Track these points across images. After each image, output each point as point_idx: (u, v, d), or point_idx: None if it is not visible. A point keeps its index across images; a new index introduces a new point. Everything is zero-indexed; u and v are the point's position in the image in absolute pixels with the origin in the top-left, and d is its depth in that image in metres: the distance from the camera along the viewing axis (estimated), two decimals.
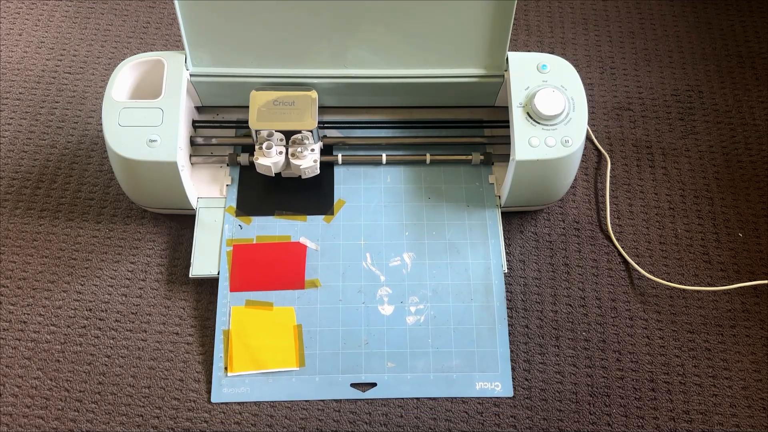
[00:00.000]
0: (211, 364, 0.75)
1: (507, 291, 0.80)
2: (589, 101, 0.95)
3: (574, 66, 0.83)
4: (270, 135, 0.78)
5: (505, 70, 0.79)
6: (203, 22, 0.75)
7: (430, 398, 0.74)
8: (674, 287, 0.82)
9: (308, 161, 0.79)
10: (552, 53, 0.84)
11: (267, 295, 0.77)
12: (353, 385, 0.74)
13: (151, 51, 0.92)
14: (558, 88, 0.77)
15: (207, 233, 0.80)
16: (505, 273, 0.79)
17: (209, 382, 0.74)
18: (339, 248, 0.80)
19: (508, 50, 0.79)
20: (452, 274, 0.79)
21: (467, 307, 0.77)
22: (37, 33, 1.01)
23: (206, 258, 0.79)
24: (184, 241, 0.83)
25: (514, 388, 0.75)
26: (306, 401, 0.74)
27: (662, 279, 0.82)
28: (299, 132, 0.78)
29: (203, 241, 0.80)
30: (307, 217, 0.81)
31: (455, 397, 0.74)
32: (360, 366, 0.74)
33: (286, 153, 0.79)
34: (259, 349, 0.75)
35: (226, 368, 0.74)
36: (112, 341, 0.77)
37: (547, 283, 0.82)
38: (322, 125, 0.85)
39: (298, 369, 0.74)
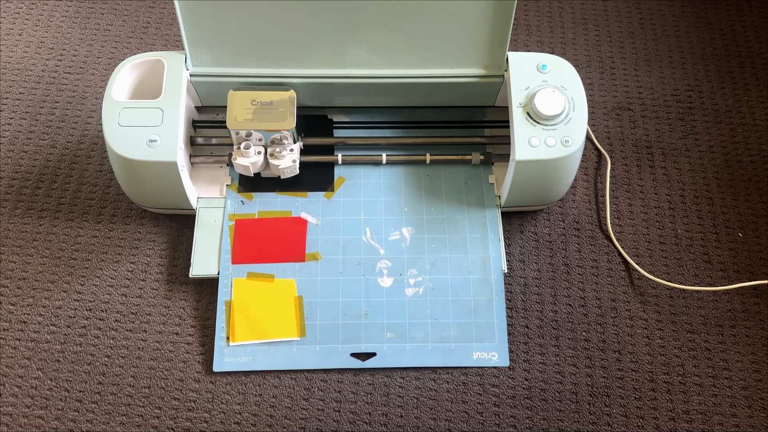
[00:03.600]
0: (212, 362, 0.75)
1: (507, 291, 0.80)
2: (589, 101, 0.95)
3: (574, 66, 0.83)
4: (248, 135, 0.78)
5: (505, 70, 0.79)
6: (203, 22, 0.75)
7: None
8: (674, 287, 0.82)
9: (287, 161, 0.79)
10: (552, 53, 0.84)
11: (268, 267, 0.79)
12: (353, 354, 0.75)
13: (151, 51, 0.92)
14: (558, 88, 0.77)
15: (207, 233, 0.80)
16: (505, 273, 0.79)
17: (210, 363, 0.74)
18: (339, 223, 0.81)
19: (508, 50, 0.79)
20: (450, 247, 0.80)
21: (465, 279, 0.78)
22: (37, 33, 1.01)
23: (206, 258, 0.79)
24: (184, 241, 0.83)
25: (514, 388, 0.75)
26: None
27: (662, 279, 0.82)
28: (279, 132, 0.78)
29: (203, 241, 0.80)
30: (308, 193, 0.83)
31: (454, 368, 0.74)
32: (360, 336, 0.76)
33: (265, 153, 0.79)
34: (260, 320, 0.76)
35: (227, 338, 0.75)
36: (112, 341, 0.77)
37: (547, 283, 0.82)
38: (334, 125, 0.86)
39: (298, 339, 0.76)
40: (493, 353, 0.76)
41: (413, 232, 0.81)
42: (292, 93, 0.78)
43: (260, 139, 0.78)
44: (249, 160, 0.78)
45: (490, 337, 0.76)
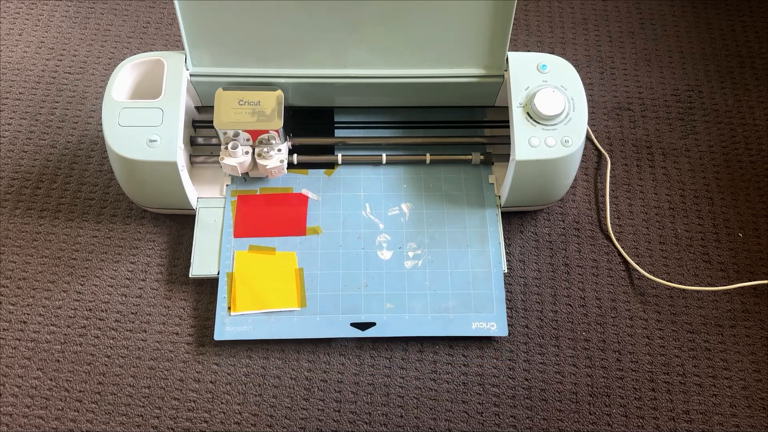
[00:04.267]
0: (211, 362, 0.75)
1: (507, 291, 0.80)
2: (589, 101, 0.95)
3: (574, 66, 0.83)
4: (236, 135, 0.78)
5: (505, 70, 0.79)
6: (203, 22, 0.75)
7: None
8: (674, 287, 0.82)
9: (275, 161, 0.79)
10: (552, 53, 0.85)
11: (270, 241, 0.80)
12: (353, 324, 0.76)
13: (151, 51, 0.92)
14: (558, 88, 0.77)
15: (207, 233, 0.80)
16: (505, 273, 0.79)
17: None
18: (339, 199, 0.83)
19: (508, 50, 0.79)
20: (449, 222, 0.81)
21: (464, 252, 0.79)
22: (37, 33, 1.01)
23: (206, 258, 0.79)
24: (184, 241, 0.83)
25: (514, 388, 0.75)
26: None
27: (662, 279, 0.82)
28: (266, 132, 0.78)
29: (203, 241, 0.80)
30: (309, 171, 0.84)
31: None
32: (359, 306, 0.77)
33: (253, 153, 0.79)
34: (261, 290, 0.77)
35: (229, 308, 0.76)
36: (112, 341, 0.77)
37: (547, 283, 0.82)
38: (335, 125, 0.86)
39: (299, 309, 0.77)
40: (492, 323, 0.76)
41: (412, 208, 0.82)
42: (279, 93, 0.78)
43: (248, 139, 0.78)
44: (236, 160, 0.78)
45: (489, 308, 0.77)
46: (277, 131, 0.78)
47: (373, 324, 0.76)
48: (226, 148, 0.78)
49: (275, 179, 0.83)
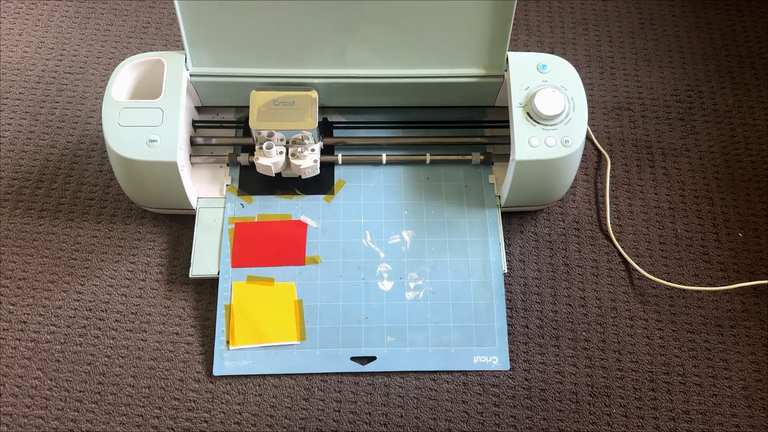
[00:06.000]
0: (212, 364, 0.75)
1: (507, 291, 0.80)
2: (589, 101, 0.95)
3: (574, 66, 0.83)
4: (270, 135, 0.78)
5: (505, 70, 0.79)
6: (203, 22, 0.75)
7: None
8: (674, 287, 0.82)
9: (308, 161, 0.79)
10: (552, 53, 0.85)
11: (268, 271, 0.79)
12: (353, 358, 0.75)
13: (151, 51, 0.92)
14: (558, 88, 0.77)
15: (207, 233, 0.80)
16: (505, 273, 0.79)
17: (210, 363, 0.74)
18: (339, 226, 0.81)
19: (508, 50, 0.79)
20: (451, 251, 0.80)
21: (465, 283, 0.78)
22: (37, 33, 1.01)
23: (206, 258, 0.79)
24: (184, 241, 0.83)
25: (514, 388, 0.75)
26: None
27: (662, 279, 0.82)
28: (299, 132, 0.78)
29: (203, 241, 0.80)
30: (308, 196, 0.83)
31: (454, 371, 0.74)
32: (360, 340, 0.76)
33: (287, 153, 0.79)
34: (260, 323, 0.76)
35: (227, 342, 0.75)
36: (112, 341, 0.77)
37: (547, 283, 0.82)
38: (334, 125, 0.86)
39: (298, 343, 0.76)
40: (494, 357, 0.76)
41: (413, 235, 0.81)
42: (314, 93, 0.78)
43: (281, 139, 0.78)
44: (271, 160, 0.78)
45: (491, 341, 0.76)
46: (310, 131, 0.78)
47: (373, 358, 0.75)
48: (261, 148, 0.78)
49: (273, 205, 0.82)
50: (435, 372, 0.76)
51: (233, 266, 0.78)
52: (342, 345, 0.75)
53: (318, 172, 0.80)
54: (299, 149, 0.78)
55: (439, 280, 0.78)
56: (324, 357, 0.75)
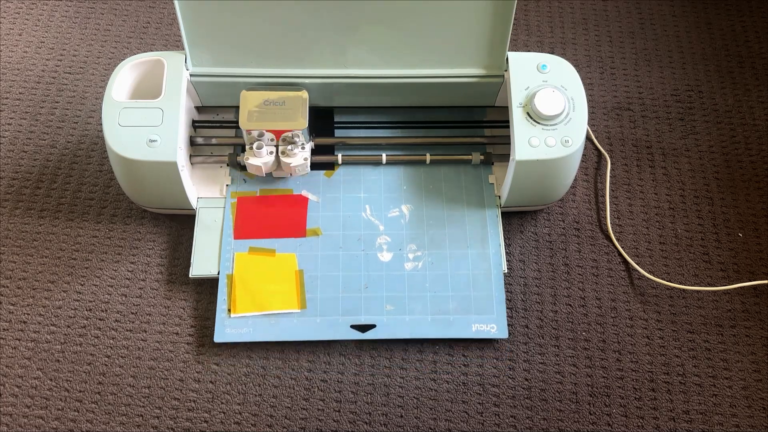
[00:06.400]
0: (211, 362, 0.75)
1: (507, 291, 0.80)
2: (589, 101, 0.95)
3: (574, 66, 0.83)
4: (261, 135, 0.78)
5: (505, 70, 0.79)
6: (203, 22, 0.75)
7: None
8: (674, 287, 0.82)
9: (299, 159, 0.79)
10: (552, 53, 0.85)
11: (270, 242, 0.80)
12: (353, 326, 0.76)
13: (151, 51, 0.92)
14: (558, 88, 0.77)
15: (207, 233, 0.80)
16: (505, 273, 0.79)
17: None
18: (339, 200, 0.83)
19: (508, 50, 0.79)
20: (449, 223, 0.81)
21: (464, 254, 0.79)
22: (37, 33, 1.01)
23: (206, 258, 0.79)
24: (184, 241, 0.83)
25: (514, 388, 0.75)
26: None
27: (662, 279, 0.82)
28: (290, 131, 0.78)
29: (203, 241, 0.80)
30: (309, 171, 0.83)
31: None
32: (360, 308, 0.77)
33: (277, 153, 0.79)
34: (261, 292, 0.77)
35: (229, 310, 0.76)
36: (112, 341, 0.77)
37: (547, 283, 0.82)
38: (335, 125, 0.86)
39: (299, 311, 0.77)
40: (492, 325, 0.76)
41: (412, 209, 0.82)
42: (304, 93, 0.79)
43: (272, 139, 0.78)
44: (261, 160, 0.78)
45: (489, 310, 0.77)
46: (301, 131, 0.78)
47: (373, 326, 0.76)
48: (251, 148, 0.78)
49: (275, 180, 0.83)
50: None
51: (235, 238, 0.80)
52: (342, 313, 0.76)
53: (308, 170, 0.81)
54: (289, 147, 0.78)
55: (437, 251, 0.80)
56: (324, 325, 0.76)
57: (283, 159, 0.79)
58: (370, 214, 0.82)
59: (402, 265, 0.79)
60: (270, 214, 0.81)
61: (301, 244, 0.80)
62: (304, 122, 0.77)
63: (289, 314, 0.76)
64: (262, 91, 0.79)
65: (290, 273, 0.78)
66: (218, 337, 0.75)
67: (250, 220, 0.81)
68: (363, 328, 0.76)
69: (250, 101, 0.78)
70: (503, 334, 0.76)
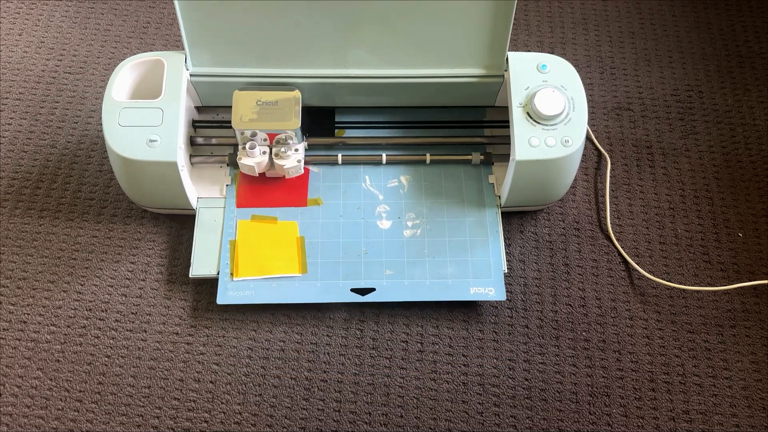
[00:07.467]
0: (211, 362, 0.75)
1: (507, 291, 0.80)
2: (589, 101, 0.95)
3: (574, 66, 0.83)
4: (253, 135, 0.78)
5: (505, 70, 0.79)
6: (203, 22, 0.75)
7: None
8: (674, 287, 0.82)
9: (292, 161, 0.79)
10: (552, 53, 0.84)
11: (272, 211, 0.82)
12: (353, 290, 0.77)
13: (151, 51, 0.92)
14: (558, 88, 0.77)
15: (207, 233, 0.80)
16: (505, 273, 0.79)
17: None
18: (339, 171, 0.84)
19: (508, 50, 0.79)
20: (447, 193, 0.83)
21: (461, 221, 0.81)
22: (37, 33, 1.01)
23: (206, 258, 0.79)
24: (184, 241, 0.83)
25: (514, 388, 0.75)
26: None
27: (662, 279, 0.82)
28: (283, 132, 0.78)
29: (203, 241, 0.80)
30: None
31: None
32: (359, 273, 0.78)
33: (270, 152, 0.79)
34: (263, 257, 0.79)
35: (231, 273, 0.77)
36: (112, 341, 0.77)
37: (547, 283, 0.82)
38: (335, 125, 0.86)
39: (300, 275, 0.78)
40: (490, 288, 0.78)
41: (411, 180, 0.83)
42: (297, 93, 0.79)
43: (265, 139, 0.79)
44: (254, 160, 0.78)
45: (487, 274, 0.78)
46: (294, 131, 0.78)
47: (372, 290, 0.77)
48: (244, 148, 0.78)
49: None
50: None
51: (238, 206, 0.81)
52: (342, 277, 0.78)
53: (302, 172, 0.82)
54: (282, 149, 0.79)
55: (436, 219, 0.82)
56: (325, 288, 0.77)
57: (277, 161, 0.79)
58: (370, 185, 0.83)
59: (401, 232, 0.81)
60: (272, 184, 0.83)
61: (302, 213, 0.82)
62: (297, 122, 0.78)
63: (291, 278, 0.78)
64: (254, 91, 0.79)
65: (292, 239, 0.80)
66: (221, 299, 0.76)
67: (253, 189, 0.82)
68: (363, 291, 0.77)
69: (242, 101, 0.78)
70: (501, 296, 0.77)
